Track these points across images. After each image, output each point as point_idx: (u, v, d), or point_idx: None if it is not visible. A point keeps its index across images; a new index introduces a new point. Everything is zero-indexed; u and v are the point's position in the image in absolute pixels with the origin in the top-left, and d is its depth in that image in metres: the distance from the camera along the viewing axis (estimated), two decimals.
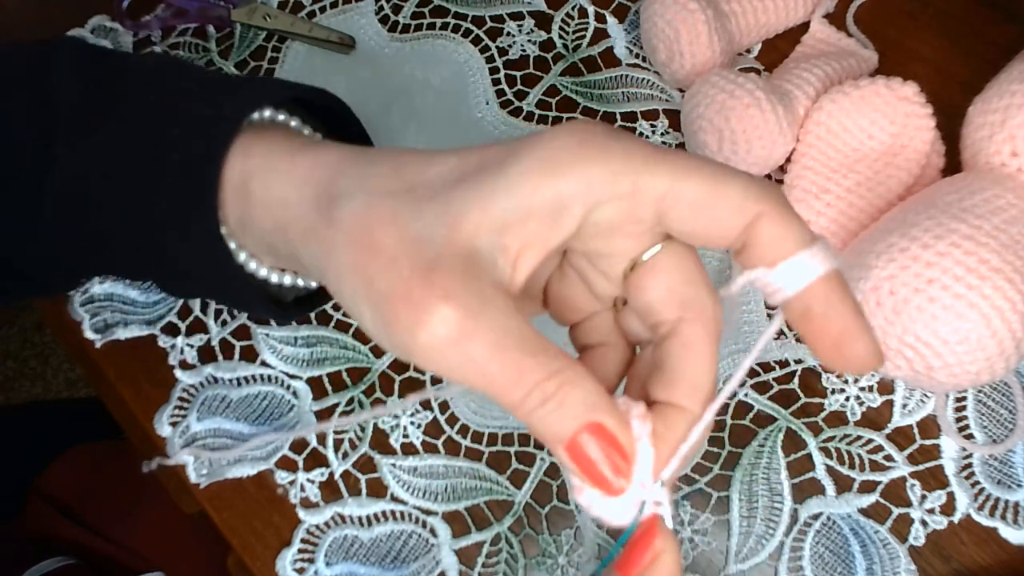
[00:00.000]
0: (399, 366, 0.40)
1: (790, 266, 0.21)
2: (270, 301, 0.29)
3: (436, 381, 0.39)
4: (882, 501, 0.35)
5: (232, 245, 0.27)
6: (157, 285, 0.32)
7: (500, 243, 0.22)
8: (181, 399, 0.40)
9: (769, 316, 0.39)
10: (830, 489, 0.35)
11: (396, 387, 0.39)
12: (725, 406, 0.37)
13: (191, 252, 0.27)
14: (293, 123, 0.29)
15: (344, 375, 0.40)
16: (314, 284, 0.30)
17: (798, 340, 0.38)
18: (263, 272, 0.28)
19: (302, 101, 0.29)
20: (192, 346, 0.41)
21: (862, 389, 0.37)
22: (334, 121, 0.30)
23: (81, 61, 0.30)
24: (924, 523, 0.35)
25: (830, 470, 0.36)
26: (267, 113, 0.28)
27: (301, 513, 0.38)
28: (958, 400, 0.36)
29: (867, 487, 0.35)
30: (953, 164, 0.38)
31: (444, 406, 0.39)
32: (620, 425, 0.21)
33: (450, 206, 0.22)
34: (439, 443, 0.38)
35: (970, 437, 0.36)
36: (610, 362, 0.26)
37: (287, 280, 0.29)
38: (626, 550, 0.22)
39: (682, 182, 0.21)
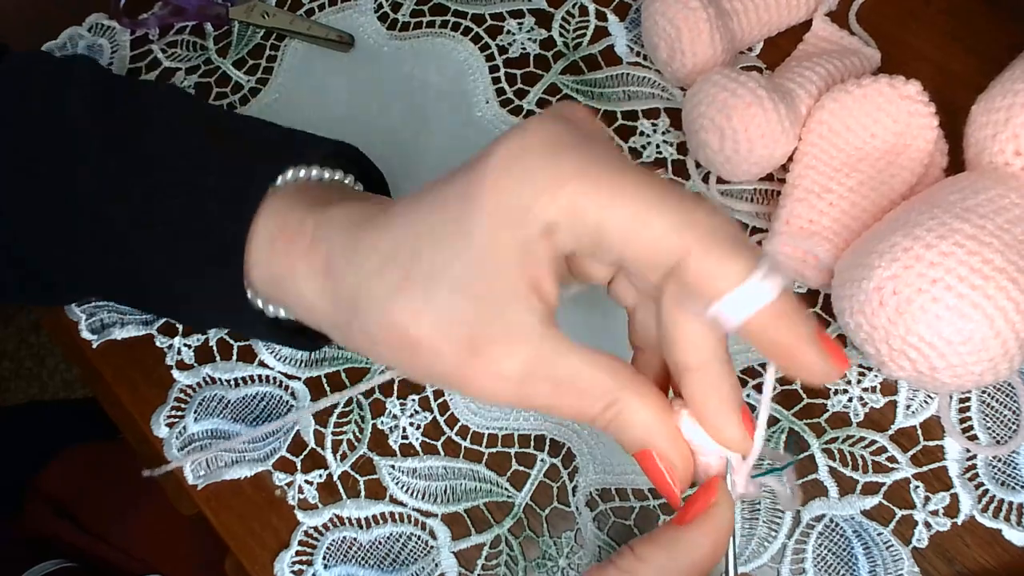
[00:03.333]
0: None
1: (729, 302, 0.20)
2: (294, 332, 0.30)
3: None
4: (885, 503, 0.35)
5: (259, 303, 0.28)
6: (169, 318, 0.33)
7: (514, 287, 0.22)
8: (178, 400, 0.40)
9: None
10: (833, 491, 0.35)
11: (395, 387, 0.39)
12: None
13: (213, 306, 0.29)
14: (313, 173, 0.29)
15: (343, 375, 0.40)
16: None
17: None
18: (283, 314, 0.30)
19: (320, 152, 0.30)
20: (189, 346, 0.41)
21: (865, 390, 0.37)
22: (354, 163, 0.32)
23: (101, 91, 0.30)
24: (928, 525, 0.34)
25: (833, 472, 0.36)
26: (294, 174, 0.29)
27: (299, 515, 0.37)
28: (962, 401, 0.36)
29: (870, 489, 0.35)
30: (956, 163, 0.37)
31: (444, 407, 0.39)
32: (671, 445, 0.23)
33: (455, 283, 0.22)
34: (438, 444, 0.38)
35: (974, 438, 0.36)
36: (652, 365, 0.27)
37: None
38: (685, 505, 0.24)
39: (610, 211, 0.20)
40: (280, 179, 0.28)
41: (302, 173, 0.29)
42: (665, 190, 0.20)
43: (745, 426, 0.23)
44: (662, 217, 0.20)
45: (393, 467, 0.38)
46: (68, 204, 0.29)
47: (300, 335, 0.30)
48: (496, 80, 0.45)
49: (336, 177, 0.30)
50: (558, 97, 0.44)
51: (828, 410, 0.36)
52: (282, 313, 0.29)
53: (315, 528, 0.37)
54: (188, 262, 0.28)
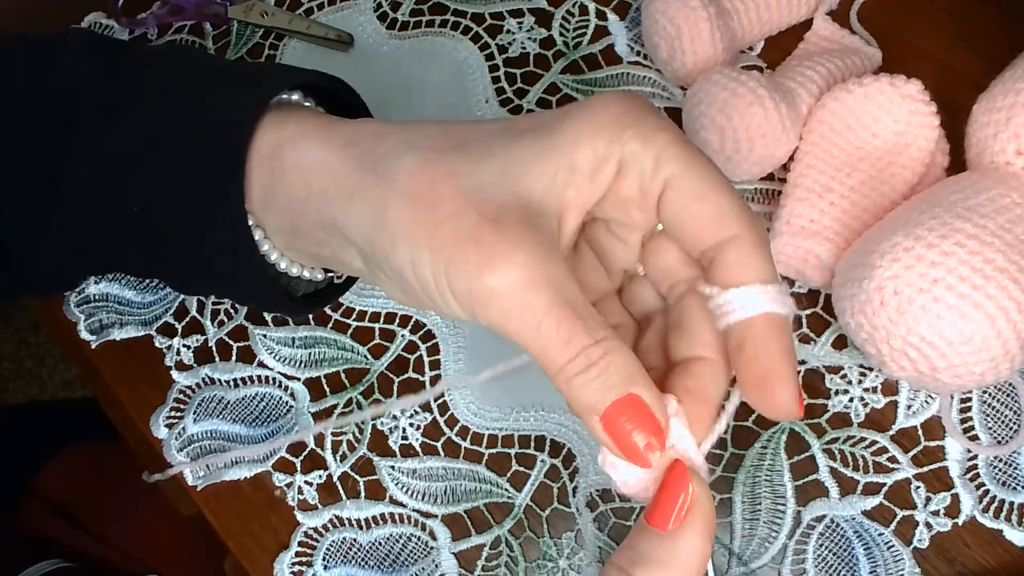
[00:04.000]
0: (397, 367, 0.39)
1: (740, 294, 0.22)
2: (283, 294, 0.29)
3: (436, 382, 0.39)
4: (886, 503, 0.35)
5: (256, 235, 0.27)
6: (165, 280, 0.32)
7: (553, 202, 0.23)
8: (177, 400, 0.40)
9: None
10: (834, 491, 0.35)
11: (395, 388, 0.39)
12: None
13: (212, 236, 0.27)
14: (308, 103, 0.29)
15: (342, 376, 0.40)
16: (320, 276, 0.30)
17: (801, 341, 0.38)
18: (283, 264, 0.29)
19: (316, 88, 0.30)
20: (189, 347, 0.41)
21: (866, 390, 0.37)
22: (344, 110, 0.31)
23: (95, 51, 0.30)
24: (928, 525, 0.34)
25: (834, 472, 0.35)
26: (294, 96, 0.29)
27: (299, 515, 0.37)
28: (963, 401, 0.36)
29: (871, 489, 0.35)
30: (958, 163, 0.37)
31: (443, 407, 0.38)
32: (656, 399, 0.22)
33: (509, 162, 0.22)
34: (438, 445, 0.38)
35: (975, 438, 0.35)
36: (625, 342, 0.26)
37: (306, 274, 0.29)
38: (654, 501, 0.22)
39: (689, 171, 0.22)
40: (295, 96, 0.28)
41: (307, 103, 0.29)
42: (725, 179, 0.23)
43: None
44: (724, 197, 0.22)
45: (393, 468, 0.38)
46: (62, 163, 0.28)
47: (284, 296, 0.30)
48: (496, 79, 0.45)
49: (307, 104, 0.30)
50: (558, 97, 0.44)
51: (829, 410, 0.36)
52: (277, 261, 0.28)
53: (315, 529, 0.37)
54: (188, 185, 0.27)
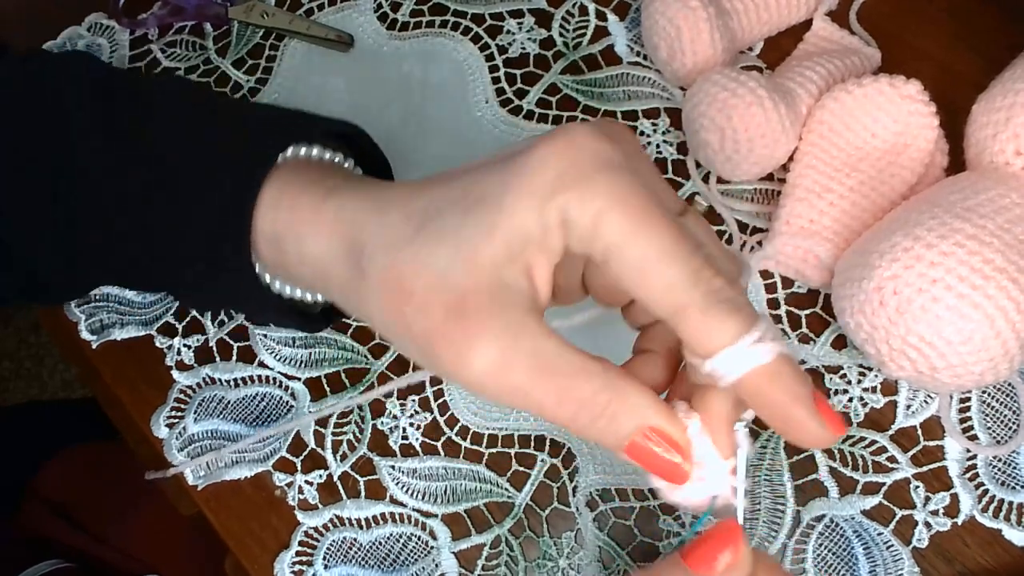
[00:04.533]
0: (398, 367, 0.39)
1: (719, 362, 0.21)
2: (297, 313, 0.30)
3: (436, 381, 0.39)
4: (885, 503, 0.35)
5: (266, 278, 0.28)
6: (173, 297, 0.33)
7: (516, 269, 0.22)
8: (178, 400, 0.40)
9: (771, 318, 0.38)
10: (833, 491, 0.35)
11: (395, 388, 0.39)
12: None
13: (221, 284, 0.29)
14: (315, 152, 0.29)
15: (343, 376, 0.40)
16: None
17: (800, 341, 0.38)
18: (297, 294, 0.30)
19: (325, 132, 0.30)
20: (189, 347, 0.41)
21: (865, 390, 0.37)
22: (355, 147, 0.32)
23: (98, 87, 0.31)
24: (928, 525, 0.34)
25: (833, 472, 0.36)
26: (295, 151, 0.29)
27: (299, 515, 0.37)
28: (962, 401, 0.36)
29: (870, 489, 0.35)
30: (957, 163, 0.37)
31: (444, 407, 0.38)
32: (670, 422, 0.22)
33: (461, 244, 0.22)
34: (438, 445, 0.38)
35: (974, 438, 0.35)
36: (660, 359, 0.26)
37: (319, 298, 0.30)
38: (698, 544, 0.22)
39: (628, 241, 0.21)
40: (290, 151, 0.28)
41: (303, 151, 0.29)
42: (680, 243, 0.21)
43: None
44: (672, 269, 0.21)
45: (393, 467, 0.38)
46: (68, 192, 0.29)
47: (299, 316, 0.30)
48: (496, 80, 0.45)
49: (336, 160, 0.30)
50: (558, 97, 0.44)
51: None
52: (287, 291, 0.29)
53: (315, 528, 0.37)
54: (194, 234, 0.28)
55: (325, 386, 0.39)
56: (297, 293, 0.30)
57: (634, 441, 0.22)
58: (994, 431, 0.35)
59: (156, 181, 0.28)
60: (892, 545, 0.34)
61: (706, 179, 0.41)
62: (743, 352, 0.20)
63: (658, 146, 0.42)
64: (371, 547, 0.37)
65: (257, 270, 0.28)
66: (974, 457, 0.35)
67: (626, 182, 0.21)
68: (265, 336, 0.40)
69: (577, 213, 0.21)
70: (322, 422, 0.39)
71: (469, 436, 0.38)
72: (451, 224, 0.23)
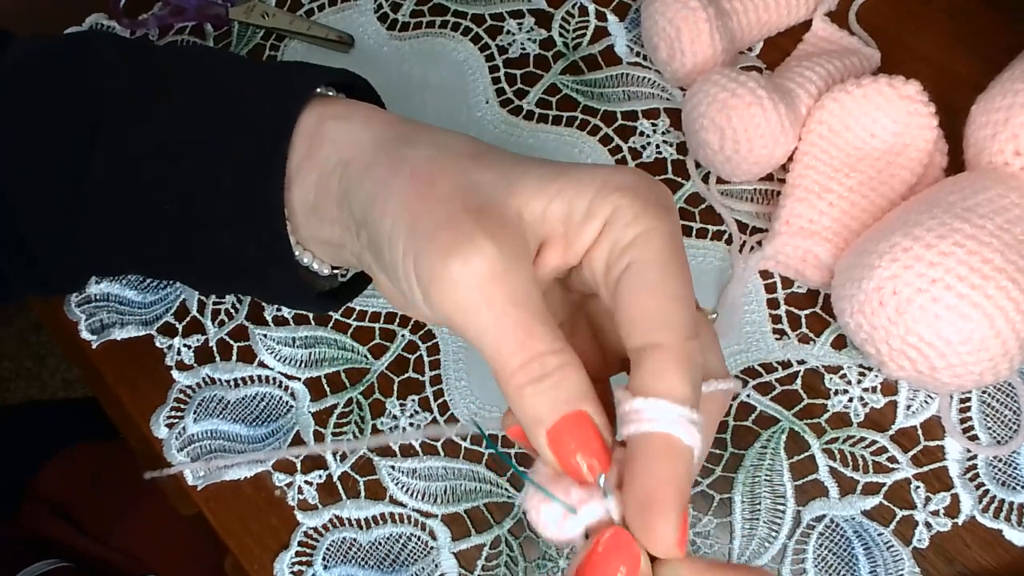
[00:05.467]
0: (398, 367, 0.39)
1: (648, 405, 0.20)
2: (306, 284, 0.29)
3: (436, 381, 0.39)
4: (886, 503, 0.35)
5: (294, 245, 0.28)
6: (184, 279, 0.33)
7: (538, 229, 0.23)
8: (178, 400, 0.40)
9: (771, 318, 0.38)
10: (833, 491, 0.35)
11: (395, 388, 0.39)
12: (727, 407, 0.37)
13: (245, 229, 0.28)
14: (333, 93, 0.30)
15: (342, 376, 0.40)
16: (326, 271, 0.31)
17: (800, 341, 0.38)
18: (306, 258, 0.29)
19: (343, 86, 0.31)
20: (189, 347, 0.41)
21: (866, 390, 0.37)
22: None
23: (121, 51, 0.31)
24: (928, 525, 0.34)
25: (833, 472, 0.35)
26: (330, 92, 0.30)
27: (299, 515, 0.37)
28: (962, 401, 0.36)
29: (871, 489, 0.35)
30: (956, 163, 0.37)
31: (444, 407, 0.39)
32: (605, 424, 0.21)
33: (510, 174, 0.23)
34: (438, 445, 0.38)
35: (974, 438, 0.35)
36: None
37: (315, 265, 0.30)
38: (584, 563, 0.20)
39: (655, 264, 0.21)
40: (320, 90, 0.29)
41: (331, 92, 0.30)
42: (692, 302, 0.22)
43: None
44: (674, 304, 0.21)
45: (393, 468, 0.38)
46: (89, 159, 0.29)
47: (321, 297, 0.30)
48: (496, 80, 0.45)
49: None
50: (558, 98, 0.44)
51: (828, 410, 0.36)
52: (304, 260, 0.29)
53: (315, 529, 0.37)
54: (230, 176, 0.28)
55: (325, 386, 0.39)
56: (305, 258, 0.29)
57: (565, 418, 0.20)
58: (994, 431, 0.35)
59: (191, 118, 0.28)
60: (892, 545, 0.34)
61: (706, 179, 0.41)
62: (674, 414, 0.20)
63: (658, 146, 0.42)
64: (371, 547, 0.37)
65: (288, 230, 0.27)
66: (974, 457, 0.35)
67: (676, 228, 0.22)
68: (265, 336, 0.40)
69: (628, 220, 0.22)
70: (322, 422, 0.39)
71: (469, 436, 0.38)
72: (510, 162, 0.23)
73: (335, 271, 0.31)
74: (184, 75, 0.29)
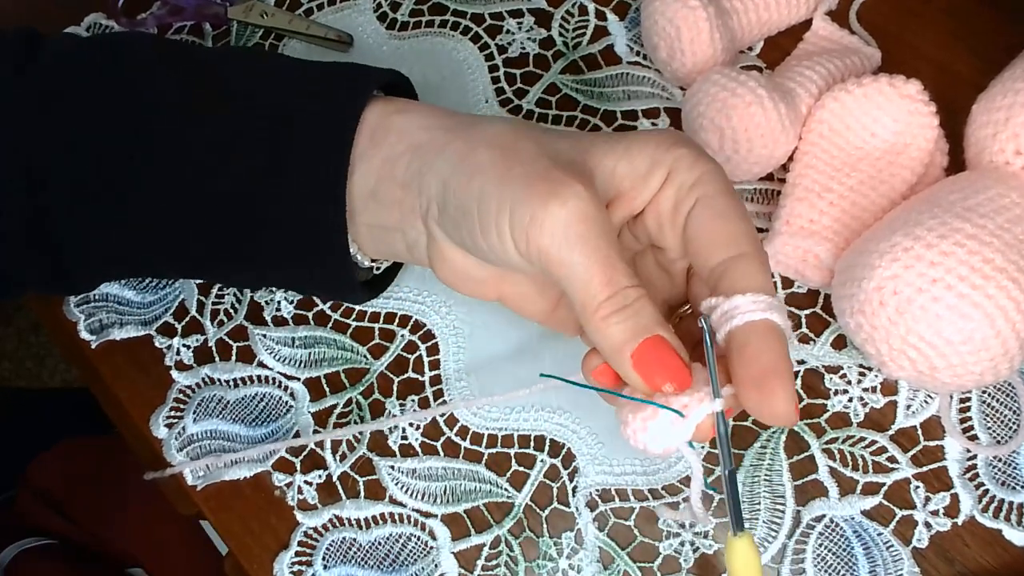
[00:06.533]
0: (397, 367, 0.39)
1: (746, 300, 0.24)
2: (352, 276, 0.31)
3: (436, 382, 0.39)
4: (885, 503, 0.35)
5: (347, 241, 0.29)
6: (221, 274, 0.34)
7: (610, 185, 0.26)
8: (177, 400, 0.40)
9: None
10: (833, 491, 0.35)
11: (395, 388, 0.39)
12: None
13: (303, 216, 0.29)
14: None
15: (342, 376, 0.40)
16: (367, 263, 0.32)
17: (800, 341, 0.38)
18: (352, 248, 0.30)
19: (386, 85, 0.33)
20: (188, 347, 0.41)
21: (865, 390, 0.37)
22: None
23: (167, 53, 0.32)
24: (928, 525, 0.34)
25: (833, 472, 0.35)
26: (378, 94, 0.31)
27: (299, 515, 0.37)
28: (962, 401, 0.36)
29: (870, 489, 0.35)
30: (957, 163, 0.37)
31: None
32: (680, 346, 0.24)
33: (581, 141, 0.27)
34: (438, 445, 0.38)
35: (974, 438, 0.35)
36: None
37: (358, 257, 0.31)
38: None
39: (718, 195, 0.25)
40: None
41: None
42: (745, 210, 0.26)
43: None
44: (743, 222, 0.25)
45: (393, 468, 0.38)
46: (151, 164, 0.30)
47: (365, 285, 0.33)
48: (495, 80, 0.45)
49: None
50: (557, 97, 0.44)
51: (828, 410, 0.36)
52: (351, 250, 0.30)
53: (314, 529, 0.37)
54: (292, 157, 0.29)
55: (324, 386, 0.39)
56: (357, 256, 0.31)
57: (646, 341, 0.24)
58: (994, 431, 0.35)
59: (252, 119, 0.29)
60: (892, 545, 0.34)
61: None
62: (769, 303, 0.23)
63: None
64: (370, 547, 0.37)
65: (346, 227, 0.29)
66: (974, 457, 0.35)
67: (718, 164, 0.27)
68: (264, 336, 0.40)
69: (688, 165, 0.26)
70: (321, 422, 0.39)
71: (468, 436, 0.38)
72: (576, 134, 0.27)
73: (373, 263, 0.33)
74: (239, 78, 0.31)
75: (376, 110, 0.29)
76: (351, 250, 0.30)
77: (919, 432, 0.36)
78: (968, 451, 0.35)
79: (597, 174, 0.26)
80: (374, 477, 0.38)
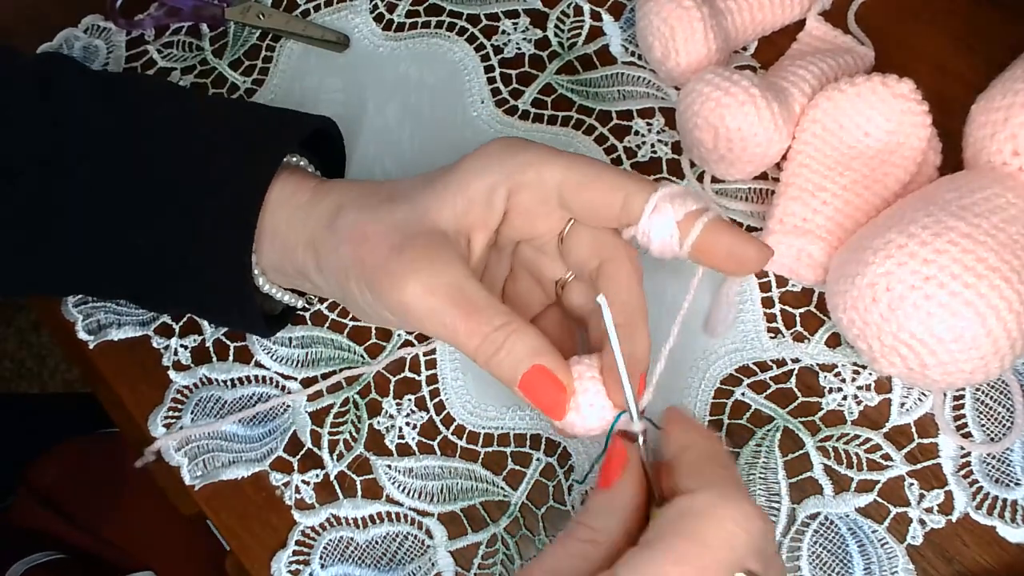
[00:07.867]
0: (395, 367, 0.40)
1: (656, 213, 0.28)
2: (262, 315, 0.35)
3: (432, 381, 0.39)
4: (880, 500, 0.35)
5: (256, 272, 0.34)
6: (142, 304, 0.38)
7: (459, 227, 0.29)
8: (175, 400, 0.40)
9: (765, 316, 0.38)
10: (828, 489, 0.35)
11: (391, 387, 0.39)
12: (722, 405, 0.37)
13: (217, 272, 0.33)
14: (301, 163, 0.36)
15: (339, 375, 0.40)
16: (297, 303, 0.38)
17: (794, 339, 0.38)
18: (272, 290, 0.36)
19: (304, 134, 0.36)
20: (186, 347, 0.41)
21: (860, 388, 0.37)
22: (319, 133, 0.37)
23: (91, 82, 0.34)
24: (922, 522, 0.34)
25: (828, 469, 0.36)
26: (290, 159, 0.35)
27: (296, 515, 0.37)
28: (956, 399, 0.36)
29: (865, 486, 0.35)
30: (951, 162, 0.37)
31: (440, 407, 0.39)
32: (558, 365, 0.28)
33: (417, 204, 0.30)
34: (435, 444, 0.38)
35: (968, 436, 0.36)
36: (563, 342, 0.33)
37: (286, 298, 0.37)
38: (604, 470, 0.27)
39: (569, 171, 0.29)
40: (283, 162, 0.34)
41: (293, 160, 0.36)
42: (599, 162, 0.30)
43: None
44: (607, 174, 0.29)
45: (390, 467, 0.38)
46: (64, 200, 0.33)
47: (275, 320, 0.38)
48: (491, 80, 0.45)
49: (301, 164, 0.36)
50: (553, 97, 0.44)
51: (823, 408, 0.37)
52: (263, 287, 0.35)
53: (312, 528, 0.37)
54: (199, 231, 0.33)
55: (323, 387, 0.39)
56: (272, 290, 0.35)
57: (526, 375, 0.27)
58: (988, 428, 0.36)
59: (160, 188, 0.33)
60: (887, 542, 0.34)
61: (701, 178, 0.41)
62: (672, 197, 0.28)
63: (653, 146, 0.42)
64: (368, 546, 0.37)
65: (255, 269, 0.33)
66: (968, 454, 0.35)
67: (544, 147, 0.30)
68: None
69: (521, 169, 0.29)
70: (318, 421, 0.39)
71: (465, 435, 0.38)
72: (414, 193, 0.30)
73: (287, 292, 0.37)
74: (162, 118, 0.34)
75: (267, 221, 0.33)
76: (276, 295, 0.36)
77: (913, 429, 0.36)
78: (962, 448, 0.35)
79: (442, 226, 0.29)
80: (371, 476, 0.38)
